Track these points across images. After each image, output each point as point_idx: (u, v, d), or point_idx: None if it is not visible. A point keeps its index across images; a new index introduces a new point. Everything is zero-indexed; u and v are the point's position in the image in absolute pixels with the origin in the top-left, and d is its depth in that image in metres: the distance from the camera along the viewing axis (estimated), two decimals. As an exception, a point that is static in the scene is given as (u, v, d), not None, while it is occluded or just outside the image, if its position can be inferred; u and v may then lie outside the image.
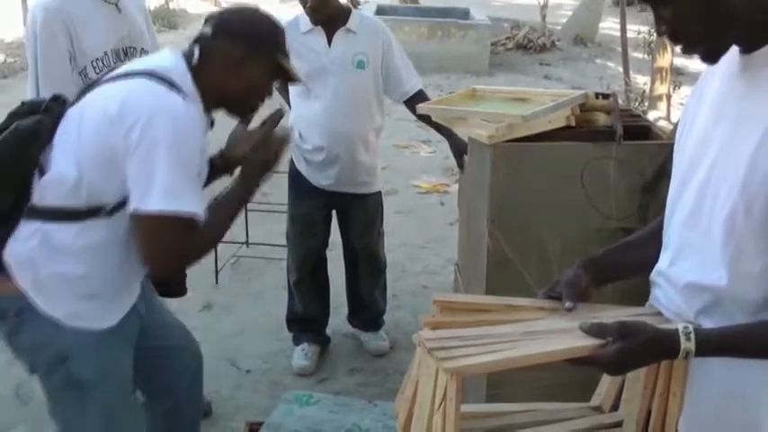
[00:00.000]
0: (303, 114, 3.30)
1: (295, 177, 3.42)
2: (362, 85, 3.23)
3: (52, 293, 1.92)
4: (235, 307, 4.16)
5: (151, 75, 1.88)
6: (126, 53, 2.68)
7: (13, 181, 1.87)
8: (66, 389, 2.00)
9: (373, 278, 3.62)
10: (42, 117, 1.91)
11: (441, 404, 1.34)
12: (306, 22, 3.20)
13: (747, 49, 1.35)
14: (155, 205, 1.79)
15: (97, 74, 2.54)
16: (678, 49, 1.44)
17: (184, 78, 1.92)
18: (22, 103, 2.02)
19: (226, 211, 2.02)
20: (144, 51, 2.71)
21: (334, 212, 3.50)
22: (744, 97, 1.35)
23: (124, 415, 2.09)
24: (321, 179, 3.33)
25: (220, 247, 4.40)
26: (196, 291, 4.21)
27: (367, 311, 3.69)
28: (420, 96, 3.24)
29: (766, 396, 1.42)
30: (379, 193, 3.53)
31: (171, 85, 1.87)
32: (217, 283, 4.40)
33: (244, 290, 4.35)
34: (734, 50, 1.38)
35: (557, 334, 1.45)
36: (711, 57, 1.37)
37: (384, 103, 3.38)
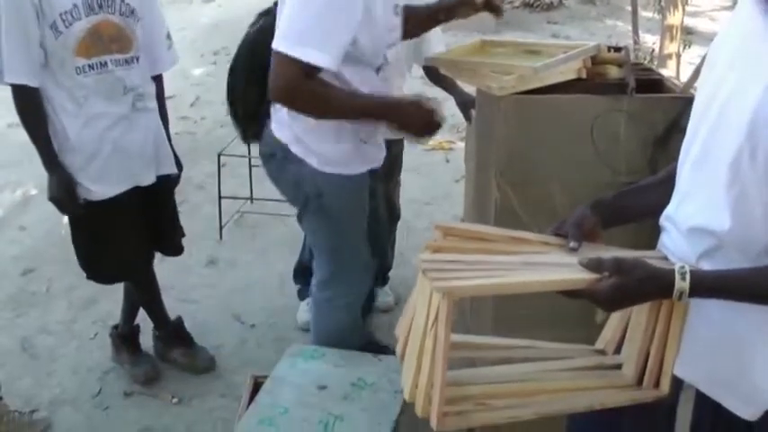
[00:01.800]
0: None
1: None
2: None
3: (307, 144, 2.34)
4: (239, 262, 4.15)
5: None
6: (101, 5, 2.61)
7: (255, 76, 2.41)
8: (318, 215, 2.46)
9: (391, 229, 3.58)
10: (266, 18, 2.42)
11: (432, 325, 1.33)
12: None
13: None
14: (280, 46, 2.07)
15: (67, 27, 2.54)
16: None
17: None
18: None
19: (353, 104, 2.24)
20: (123, 2, 2.66)
21: None
22: (759, 42, 1.34)
23: (354, 238, 2.56)
24: None
25: (224, 202, 4.40)
26: (200, 246, 4.21)
27: (376, 264, 3.65)
28: None
29: (760, 339, 1.45)
30: (401, 141, 3.42)
31: None
32: (221, 238, 4.39)
33: (248, 246, 4.34)
34: (757, 9, 1.36)
35: (555, 266, 1.45)
36: None
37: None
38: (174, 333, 3.28)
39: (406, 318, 1.52)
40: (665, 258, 1.53)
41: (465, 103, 3.12)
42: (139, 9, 2.73)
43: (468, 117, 3.07)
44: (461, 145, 4.71)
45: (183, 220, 4.44)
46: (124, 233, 2.88)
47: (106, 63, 2.67)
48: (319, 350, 2.56)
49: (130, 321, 3.24)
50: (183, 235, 3.19)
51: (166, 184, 3.02)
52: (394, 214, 3.58)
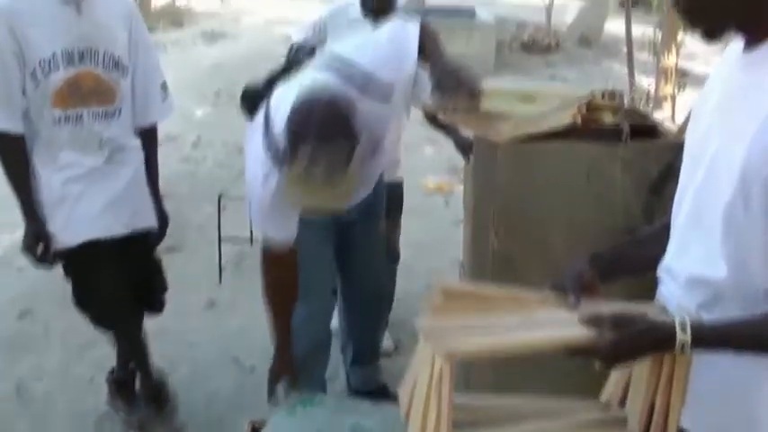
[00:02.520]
0: None
1: None
2: None
3: None
4: (238, 305, 4.15)
5: None
6: (82, 56, 2.59)
7: None
8: None
9: (389, 266, 3.59)
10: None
11: (436, 388, 1.35)
12: (355, 11, 3.22)
13: (748, 43, 1.37)
14: None
15: (44, 76, 2.54)
16: (684, 37, 1.46)
17: None
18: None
19: (276, 323, 2.58)
20: (108, 54, 2.63)
21: None
22: (743, 95, 1.36)
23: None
24: None
25: (224, 245, 4.41)
26: (200, 289, 4.21)
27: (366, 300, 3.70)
28: None
29: (766, 388, 1.42)
30: (400, 183, 3.58)
31: None
32: (221, 281, 4.39)
33: (247, 288, 4.33)
34: (738, 48, 1.38)
35: (554, 324, 1.46)
36: (708, 35, 1.38)
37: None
38: (151, 393, 3.20)
39: (409, 379, 1.53)
40: (665, 310, 1.53)
41: (463, 146, 3.15)
42: (129, 61, 2.71)
43: (466, 158, 3.10)
44: (461, 187, 4.73)
45: (183, 262, 4.48)
46: (97, 282, 2.83)
47: (82, 116, 2.64)
48: (317, 397, 2.56)
49: (126, 366, 3.22)
50: (165, 289, 3.13)
51: (146, 239, 2.96)
52: (391, 256, 3.59)
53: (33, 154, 2.64)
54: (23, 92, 2.55)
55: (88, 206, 2.71)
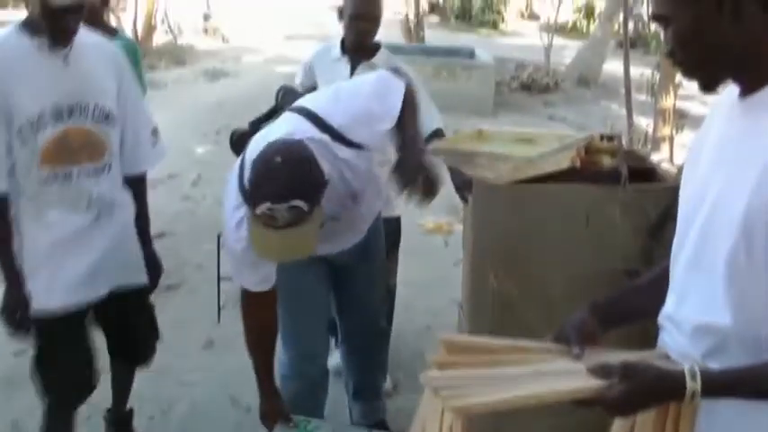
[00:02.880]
0: None
1: None
2: None
3: None
4: (237, 345, 4.08)
5: None
6: (71, 112, 2.45)
7: None
8: None
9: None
10: None
11: None
12: (336, 51, 3.37)
13: (744, 91, 1.38)
14: None
15: (32, 134, 2.39)
16: (682, 79, 1.49)
17: None
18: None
19: (257, 364, 2.70)
20: (98, 107, 2.50)
21: None
22: (742, 141, 1.37)
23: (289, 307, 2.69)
24: None
25: (224, 283, 4.40)
26: (198, 328, 4.19)
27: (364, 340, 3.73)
28: (435, 136, 3.21)
29: None
30: (396, 219, 3.65)
31: None
32: (219, 320, 4.37)
33: (246, 327, 4.32)
34: (734, 93, 1.40)
35: (563, 375, 1.44)
36: (705, 85, 1.40)
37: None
38: (117, 422, 3.17)
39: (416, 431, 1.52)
40: (668, 357, 1.53)
41: (462, 187, 3.16)
42: (118, 112, 2.58)
43: (464, 199, 3.11)
44: (461, 228, 4.74)
45: (182, 301, 4.47)
46: (64, 353, 2.64)
47: (71, 174, 2.49)
48: (312, 422, 2.63)
49: (122, 405, 3.18)
50: (157, 338, 3.02)
51: (135, 293, 2.80)
52: (388, 290, 3.61)
53: (18, 210, 2.48)
54: (9, 151, 2.39)
55: (73, 269, 2.55)
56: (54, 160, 2.45)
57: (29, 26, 2.40)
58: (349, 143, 2.28)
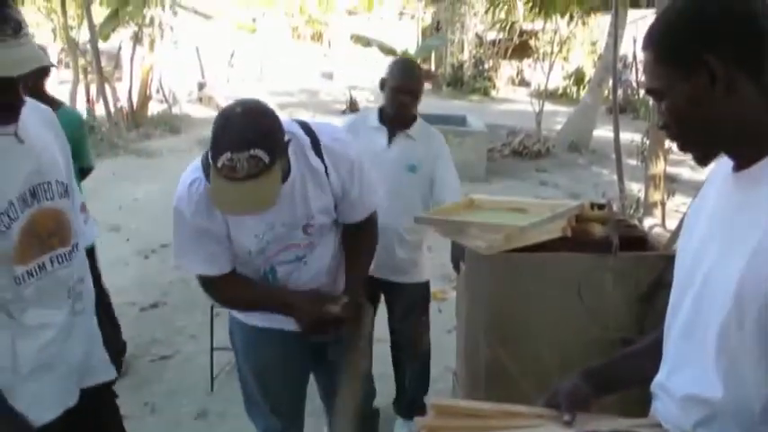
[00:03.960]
0: None
1: None
2: (410, 186, 3.40)
3: None
4: (230, 415, 4.08)
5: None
6: (34, 194, 2.05)
7: None
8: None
9: (412, 364, 3.71)
10: None
11: None
12: (374, 119, 3.49)
13: (738, 165, 1.39)
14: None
15: (3, 231, 1.96)
16: (672, 144, 1.51)
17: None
18: None
19: (261, 297, 2.43)
20: (58, 182, 2.14)
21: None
22: (735, 215, 1.38)
23: (252, 384, 2.69)
24: None
25: (217, 353, 4.38)
26: (191, 398, 4.16)
27: (404, 396, 3.82)
28: None
29: None
30: (423, 284, 3.67)
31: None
32: (212, 390, 4.34)
33: (239, 397, 4.25)
34: (729, 164, 1.42)
35: None
36: (699, 159, 1.42)
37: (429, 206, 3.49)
38: None
39: None
40: (659, 425, 1.53)
41: (456, 257, 3.18)
42: (69, 184, 2.22)
43: (456, 269, 3.13)
44: (454, 294, 4.74)
45: (175, 371, 4.44)
46: None
47: (44, 265, 2.09)
48: None
49: None
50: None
51: (103, 394, 2.41)
52: (416, 353, 3.74)
53: None
54: None
55: (56, 377, 2.17)
56: (25, 255, 2.05)
57: None
58: (322, 157, 2.33)
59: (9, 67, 1.86)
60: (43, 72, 3.81)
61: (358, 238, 2.51)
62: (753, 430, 1.36)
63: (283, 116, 2.29)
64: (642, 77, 1.58)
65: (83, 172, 4.00)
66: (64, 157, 2.23)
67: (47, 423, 2.12)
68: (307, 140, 2.32)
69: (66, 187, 2.17)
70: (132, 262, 6.44)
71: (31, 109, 2.12)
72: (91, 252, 2.59)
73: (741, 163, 1.38)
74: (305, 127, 2.36)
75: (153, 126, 13.17)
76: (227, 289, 2.42)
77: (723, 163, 1.46)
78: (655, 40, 1.39)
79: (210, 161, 2.05)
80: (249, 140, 1.99)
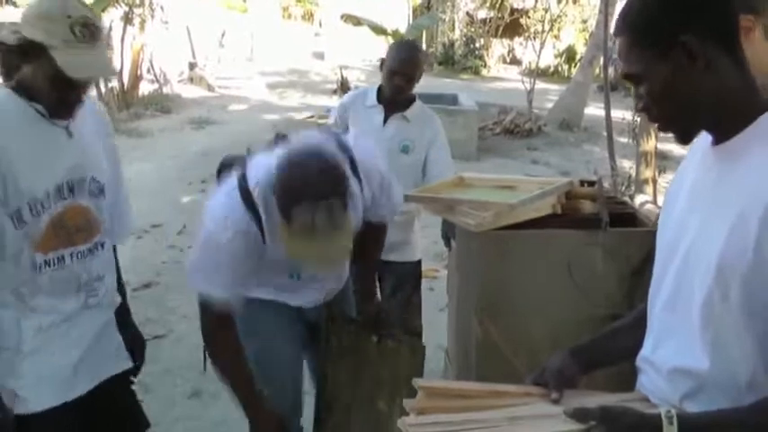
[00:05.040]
0: None
1: None
2: (402, 167, 3.38)
3: None
4: (223, 394, 4.08)
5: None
6: (71, 188, 2.16)
7: None
8: None
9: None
10: None
11: None
12: (372, 98, 3.52)
13: (717, 139, 1.41)
14: None
15: (33, 217, 2.07)
16: (655, 125, 1.52)
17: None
18: None
19: (240, 379, 2.44)
20: (95, 181, 2.23)
21: None
22: (715, 188, 1.40)
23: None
24: None
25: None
26: (184, 378, 4.17)
27: None
28: None
29: None
30: (414, 263, 3.71)
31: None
32: (205, 370, 4.34)
33: (232, 376, 4.30)
34: (708, 140, 1.43)
35: (541, 419, 1.46)
36: (681, 137, 1.44)
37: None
38: None
39: None
40: (646, 400, 1.54)
41: (447, 234, 3.20)
42: (108, 185, 2.31)
43: (448, 247, 3.14)
44: (445, 273, 4.76)
45: (168, 351, 4.45)
46: None
47: (63, 257, 2.17)
48: None
49: None
50: (148, 426, 2.70)
51: (121, 382, 2.48)
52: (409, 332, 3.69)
53: None
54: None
55: (62, 363, 2.23)
56: (48, 244, 2.14)
57: (25, 92, 2.06)
58: (358, 176, 2.31)
59: (80, 71, 1.99)
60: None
61: (373, 229, 2.54)
62: (739, 400, 1.37)
63: (320, 135, 2.28)
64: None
65: None
66: (109, 161, 2.35)
67: (48, 411, 2.19)
68: (346, 163, 2.25)
69: (101, 187, 2.26)
70: (125, 242, 6.43)
71: (89, 110, 2.25)
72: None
73: (720, 137, 1.40)
74: (340, 144, 2.30)
75: (144, 106, 13.10)
76: (227, 341, 2.37)
77: (702, 138, 1.47)
78: (629, 24, 1.40)
79: (281, 212, 2.01)
80: (326, 190, 1.95)
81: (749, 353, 1.36)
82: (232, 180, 2.22)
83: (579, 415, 1.40)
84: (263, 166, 2.17)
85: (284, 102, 14.54)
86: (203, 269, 2.26)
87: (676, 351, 1.47)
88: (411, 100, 3.51)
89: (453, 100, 11.33)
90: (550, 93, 15.13)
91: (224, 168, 2.50)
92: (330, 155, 2.05)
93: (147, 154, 9.63)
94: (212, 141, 10.37)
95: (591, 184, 2.69)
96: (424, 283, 5.63)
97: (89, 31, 2.00)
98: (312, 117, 12.40)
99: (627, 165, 8.87)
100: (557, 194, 2.51)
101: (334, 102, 3.71)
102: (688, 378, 1.44)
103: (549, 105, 13.65)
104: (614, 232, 2.41)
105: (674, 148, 9.86)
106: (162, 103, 13.48)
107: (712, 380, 1.41)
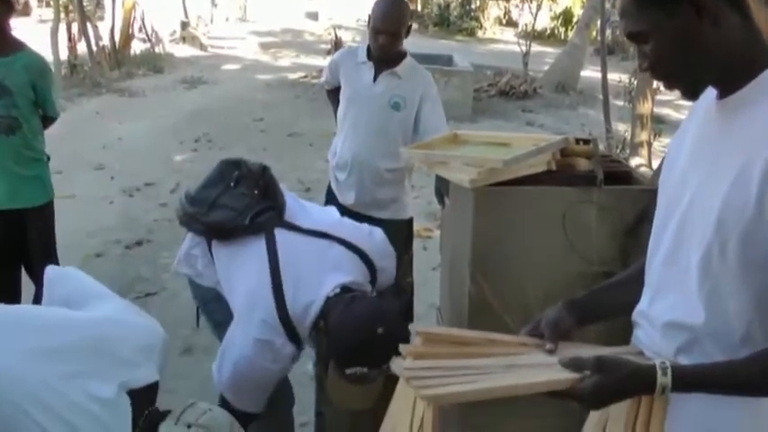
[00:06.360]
0: (341, 129, 3.58)
1: (329, 192, 3.71)
2: (393, 124, 3.43)
3: None
4: (215, 350, 4.09)
5: None
6: None
7: None
8: None
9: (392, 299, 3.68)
10: None
11: None
12: (362, 55, 3.50)
13: (722, 93, 1.40)
14: None
15: None
16: (660, 84, 1.50)
17: None
18: None
19: None
20: None
21: None
22: (718, 141, 1.39)
23: None
24: (345, 197, 3.57)
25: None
26: (177, 334, 4.16)
27: None
28: None
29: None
30: (406, 221, 3.70)
31: None
32: (198, 326, 4.35)
33: (225, 334, 4.30)
34: (711, 96, 1.42)
35: (537, 368, 1.46)
36: (689, 93, 1.43)
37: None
38: None
39: (386, 427, 1.52)
40: (641, 353, 1.55)
41: (440, 189, 3.19)
42: None
43: (442, 204, 3.13)
44: (438, 233, 4.75)
45: (161, 308, 4.45)
46: None
47: None
48: None
49: None
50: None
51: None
52: (395, 289, 3.69)
53: None
54: None
55: None
56: None
57: None
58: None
59: None
60: (5, 9, 3.66)
61: None
62: (733, 354, 1.38)
63: (351, 263, 2.37)
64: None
65: (45, 120, 3.86)
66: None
67: None
68: (368, 279, 2.41)
69: None
70: (117, 200, 6.41)
71: None
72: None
73: (725, 91, 1.39)
74: (364, 258, 2.41)
75: (136, 65, 13.00)
76: None
77: (705, 95, 1.46)
78: None
79: (334, 360, 2.15)
80: (385, 359, 1.99)
81: (745, 307, 1.37)
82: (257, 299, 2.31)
83: (574, 365, 1.41)
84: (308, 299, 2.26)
85: (277, 62, 14.43)
86: (236, 376, 2.42)
87: (673, 305, 1.47)
88: (402, 55, 3.47)
89: (448, 61, 11.25)
90: (547, 56, 15.03)
91: (227, 169, 2.55)
92: (395, 315, 2.21)
93: (139, 113, 9.57)
94: (205, 101, 10.30)
95: (586, 142, 2.67)
96: (417, 243, 5.64)
97: None
98: (305, 77, 12.32)
99: (622, 128, 8.84)
100: (552, 151, 2.48)
101: (327, 62, 3.72)
102: (683, 331, 1.45)
103: (545, 68, 13.56)
104: (609, 190, 2.39)
105: (670, 112, 9.84)
106: (154, 63, 13.37)
107: (707, 333, 1.41)
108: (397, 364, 1.44)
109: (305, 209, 2.51)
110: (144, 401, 1.83)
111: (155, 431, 1.80)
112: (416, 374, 1.38)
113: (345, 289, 2.26)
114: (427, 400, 1.31)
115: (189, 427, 1.78)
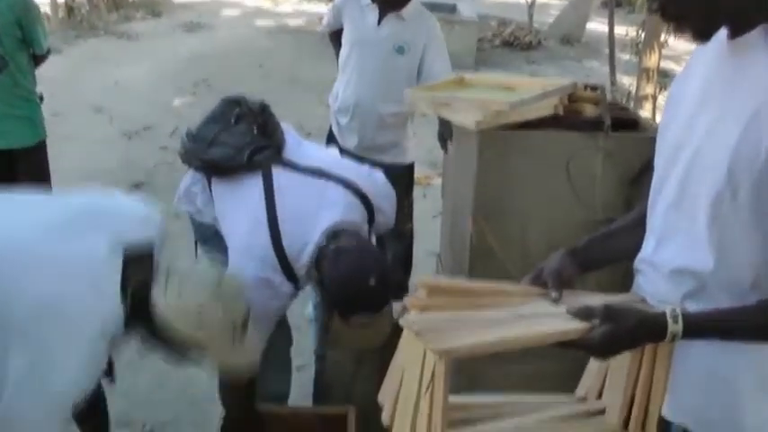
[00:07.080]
0: (343, 73, 3.53)
1: (329, 136, 3.68)
2: (396, 68, 3.38)
3: None
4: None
5: None
6: None
7: None
8: None
9: (395, 245, 3.64)
10: None
11: (428, 387, 1.31)
12: None
13: (734, 32, 1.36)
14: None
15: None
16: (667, 37, 1.47)
17: None
18: None
19: None
20: None
21: None
22: (729, 83, 1.36)
23: None
24: (346, 141, 3.54)
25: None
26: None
27: None
28: None
29: (749, 379, 1.44)
30: (407, 166, 3.67)
31: None
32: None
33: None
34: (720, 38, 1.37)
35: (545, 318, 1.43)
36: (701, 35, 1.38)
37: None
38: None
39: (392, 381, 1.49)
40: (644, 301, 1.53)
41: (443, 135, 3.14)
42: None
43: (445, 149, 3.09)
44: (439, 181, 4.72)
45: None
46: None
47: None
48: None
49: None
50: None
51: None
52: (395, 234, 3.67)
53: None
54: None
55: None
56: None
57: None
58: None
59: None
60: None
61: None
62: (742, 300, 1.36)
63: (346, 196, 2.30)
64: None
65: (36, 58, 3.80)
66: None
67: None
68: (366, 219, 2.35)
69: None
70: (116, 143, 6.37)
71: None
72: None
73: (737, 30, 1.35)
74: (363, 199, 2.34)
75: (134, 9, 12.80)
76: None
77: (713, 38, 1.41)
78: None
79: (335, 308, 2.19)
80: (382, 303, 2.13)
81: (755, 253, 1.35)
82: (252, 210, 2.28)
83: (583, 313, 1.39)
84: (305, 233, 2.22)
85: (278, 8, 14.21)
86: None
87: (680, 251, 1.45)
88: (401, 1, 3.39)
89: (452, 9, 11.05)
90: (552, 8, 14.81)
91: (228, 107, 2.49)
92: (386, 265, 2.22)
93: (137, 57, 9.46)
94: (204, 46, 10.18)
95: (594, 88, 2.62)
96: (418, 191, 5.60)
97: None
98: (307, 25, 12.16)
99: (627, 81, 8.73)
100: (559, 96, 2.43)
101: (330, 5, 3.63)
102: (691, 278, 1.43)
103: (551, 20, 13.38)
104: (616, 136, 2.35)
105: (675, 66, 9.71)
106: (152, 7, 13.17)
107: (716, 280, 1.39)
108: (404, 319, 1.40)
109: (305, 147, 2.46)
110: (138, 270, 1.80)
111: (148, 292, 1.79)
112: (424, 327, 1.35)
113: (334, 234, 2.21)
114: (439, 354, 1.28)
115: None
